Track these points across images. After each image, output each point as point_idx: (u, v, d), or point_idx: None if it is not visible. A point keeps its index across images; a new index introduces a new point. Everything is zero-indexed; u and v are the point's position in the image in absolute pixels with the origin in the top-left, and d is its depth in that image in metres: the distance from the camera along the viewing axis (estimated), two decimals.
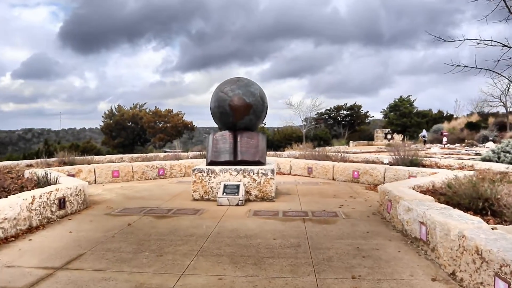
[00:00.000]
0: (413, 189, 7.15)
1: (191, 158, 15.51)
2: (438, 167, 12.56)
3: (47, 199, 6.47)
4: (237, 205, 7.84)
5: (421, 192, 7.12)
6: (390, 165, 11.28)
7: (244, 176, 8.34)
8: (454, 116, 53.45)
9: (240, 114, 8.75)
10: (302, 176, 13.00)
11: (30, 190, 6.94)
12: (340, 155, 15.34)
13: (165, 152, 27.71)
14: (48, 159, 13.29)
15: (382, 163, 13.61)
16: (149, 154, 16.42)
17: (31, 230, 5.94)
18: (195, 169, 8.48)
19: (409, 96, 51.92)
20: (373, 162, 14.19)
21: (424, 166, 12.84)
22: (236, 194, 7.96)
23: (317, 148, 34.78)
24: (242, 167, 8.42)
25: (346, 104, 53.91)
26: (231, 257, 4.77)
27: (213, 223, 6.42)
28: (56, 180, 7.94)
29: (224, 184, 8.17)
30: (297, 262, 4.57)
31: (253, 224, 6.39)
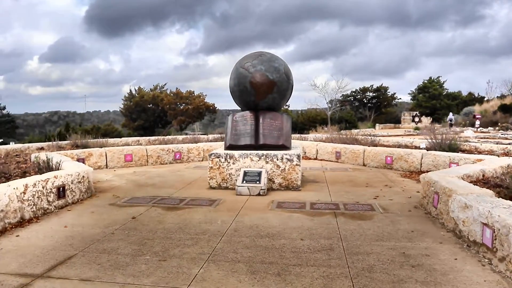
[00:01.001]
0: (462, 179, 6.14)
1: (210, 141, 14.67)
2: (480, 153, 11.42)
3: (43, 187, 5.69)
4: (259, 194, 6.96)
5: (471, 182, 6.11)
6: (427, 150, 10.20)
7: (267, 162, 7.43)
8: (486, 98, 51.23)
9: (262, 93, 7.81)
10: (330, 161, 12.02)
11: (33, 176, 6.20)
12: (370, 138, 14.26)
13: (186, 134, 27.02)
14: (61, 142, 12.63)
15: (417, 147, 12.50)
16: (167, 137, 15.65)
17: (22, 223, 5.19)
18: (212, 154, 7.61)
19: (438, 77, 49.86)
20: (406, 146, 13.08)
21: (463, 151, 11.71)
22: (258, 182, 7.07)
23: (342, 131, 33.62)
24: (265, 152, 7.51)
25: (372, 85, 52.20)
26: (249, 263, 3.89)
27: (229, 218, 5.55)
28: (59, 165, 7.19)
29: (244, 171, 7.29)
30: (331, 273, 3.66)
31: (276, 219, 5.50)
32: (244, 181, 7.11)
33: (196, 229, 5.02)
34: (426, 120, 45.13)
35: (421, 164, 9.80)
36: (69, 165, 7.15)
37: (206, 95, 40.98)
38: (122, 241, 4.56)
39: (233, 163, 7.49)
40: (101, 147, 11.17)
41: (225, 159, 7.51)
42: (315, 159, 12.58)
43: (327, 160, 12.15)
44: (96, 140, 12.98)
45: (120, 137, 36.80)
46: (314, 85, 42.10)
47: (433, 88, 47.73)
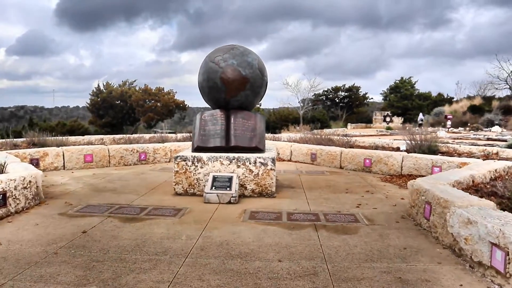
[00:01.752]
0: (453, 186, 5.62)
1: (179, 140, 13.86)
2: (459, 155, 11.04)
3: None
4: (229, 202, 6.26)
5: (462, 189, 5.59)
6: (407, 153, 9.71)
7: (238, 166, 6.73)
8: (455, 99, 51.99)
9: (234, 90, 7.11)
10: (305, 163, 11.42)
11: None
12: (346, 139, 13.75)
13: (155, 132, 26.02)
14: (16, 140, 11.59)
15: (395, 149, 12.05)
16: (133, 136, 14.75)
17: None
18: (177, 157, 6.85)
19: (410, 77, 50.19)
20: (383, 147, 12.63)
21: (442, 153, 11.31)
22: (228, 189, 6.37)
23: (314, 131, 33.24)
24: (236, 155, 6.81)
25: (345, 85, 52.12)
26: None
27: (196, 232, 4.83)
28: (3, 168, 6.31)
29: (213, 176, 6.57)
30: None
31: (249, 233, 4.81)
32: (213, 188, 6.39)
33: (156, 247, 4.28)
34: (397, 120, 45.36)
35: (401, 167, 9.30)
36: (15, 168, 6.28)
37: (176, 92, 39.93)
38: (65, 264, 3.78)
39: (201, 167, 6.76)
40: (61, 146, 10.24)
41: (192, 163, 6.77)
42: (289, 160, 11.95)
43: (302, 162, 11.54)
44: (55, 138, 11.98)
45: (87, 134, 35.40)
46: (286, 83, 41.62)
47: (404, 89, 48.01)
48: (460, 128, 33.23)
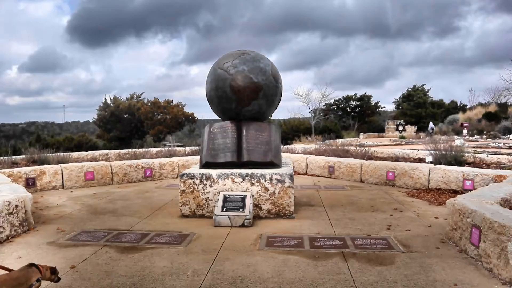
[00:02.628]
0: (500, 204, 4.85)
1: (187, 154, 13.19)
2: (488, 165, 10.24)
3: None
4: (243, 225, 5.52)
5: (511, 208, 4.83)
6: (434, 165, 8.93)
7: (252, 184, 6.01)
8: (468, 106, 50.89)
9: (245, 98, 6.42)
10: (322, 176, 10.65)
11: None
12: (363, 150, 12.98)
13: (164, 146, 25.42)
14: (16, 157, 11.01)
15: (417, 160, 11.26)
16: (140, 150, 14.11)
17: None
18: (183, 174, 6.15)
19: (423, 85, 49.13)
20: (404, 158, 11.85)
21: (469, 164, 10.52)
22: (241, 210, 5.64)
23: (327, 141, 32.47)
24: (249, 171, 6.09)
25: (356, 94, 51.25)
26: None
27: (204, 265, 4.10)
28: None
29: (224, 196, 5.85)
30: None
31: (267, 265, 4.07)
32: (224, 209, 5.67)
33: (156, 286, 3.56)
34: (410, 129, 44.36)
35: (428, 181, 8.51)
36: (1, 190, 5.62)
37: (185, 104, 39.44)
38: None
39: (210, 186, 6.05)
40: (62, 163, 9.61)
41: (201, 181, 6.06)
42: (305, 174, 11.19)
43: (319, 176, 10.77)
44: (56, 154, 11.39)
45: (95, 149, 34.98)
46: (297, 94, 40.87)
47: (417, 96, 47.02)
48: (476, 136, 32.23)
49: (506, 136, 30.35)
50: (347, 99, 51.41)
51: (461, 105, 51.03)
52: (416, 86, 49.06)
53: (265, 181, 5.99)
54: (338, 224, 5.67)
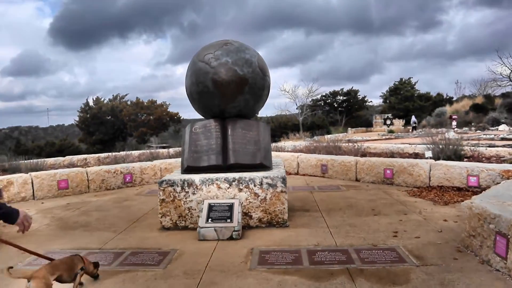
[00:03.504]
0: None
1: (171, 156, 12.47)
2: (487, 159, 9.74)
3: None
4: (231, 238, 4.85)
5: None
6: (435, 160, 8.35)
7: (240, 190, 5.34)
8: (454, 99, 50.78)
9: (230, 94, 5.75)
10: (315, 176, 10.02)
11: None
12: (356, 146, 12.40)
13: (149, 147, 24.64)
14: None
15: (414, 155, 10.69)
16: (121, 153, 13.36)
17: None
18: (162, 182, 5.44)
19: (410, 78, 48.89)
20: (399, 154, 11.29)
21: (468, 158, 9.99)
22: (229, 220, 4.97)
23: (315, 137, 31.94)
24: (237, 175, 5.42)
25: (343, 89, 50.85)
26: None
27: None
28: None
29: (209, 204, 5.17)
30: None
31: None
32: (210, 220, 4.99)
33: None
34: (398, 123, 44.07)
35: (429, 178, 7.93)
36: None
37: (169, 104, 38.53)
38: None
39: (193, 193, 5.36)
40: (35, 170, 8.82)
41: (182, 188, 5.37)
42: (297, 174, 10.54)
43: (311, 175, 10.13)
44: (29, 161, 10.59)
45: (78, 153, 33.93)
46: (283, 90, 40.27)
47: (405, 90, 46.72)
48: (464, 128, 31.94)
49: (495, 128, 30.13)
50: (334, 94, 51.00)
51: (448, 97, 50.94)
52: (403, 80, 48.81)
53: (254, 186, 5.32)
54: (338, 233, 5.03)
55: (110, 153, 13.31)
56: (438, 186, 7.70)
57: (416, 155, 10.82)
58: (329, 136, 31.70)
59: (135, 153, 13.61)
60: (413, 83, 48.28)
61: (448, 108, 43.65)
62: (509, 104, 36.08)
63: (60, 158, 12.46)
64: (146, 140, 34.64)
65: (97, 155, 13.35)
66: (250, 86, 5.82)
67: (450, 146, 9.53)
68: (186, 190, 5.36)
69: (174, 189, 5.37)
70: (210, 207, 5.13)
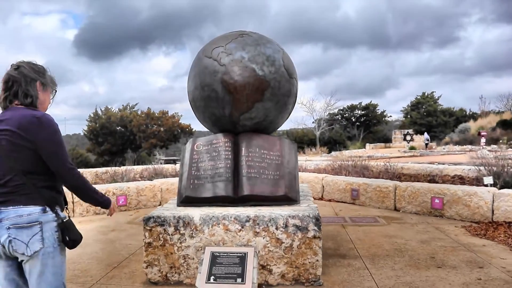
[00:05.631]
0: None
1: (176, 174, 11.01)
2: None
3: None
4: None
5: None
6: (499, 189, 6.76)
7: (257, 234, 3.82)
8: (478, 113, 48.71)
9: (245, 101, 4.28)
10: (343, 202, 8.45)
11: None
12: (386, 166, 10.81)
13: (159, 160, 23.30)
14: None
15: (459, 178, 9.08)
16: (122, 168, 11.94)
17: None
18: (149, 219, 3.94)
19: (432, 92, 46.90)
20: (437, 176, 9.67)
21: None
22: (239, 279, 3.45)
23: (333, 153, 30.37)
24: (252, 212, 3.90)
25: (361, 103, 49.08)
26: None
27: None
28: None
29: (212, 254, 3.66)
30: None
31: None
32: (212, 278, 3.48)
33: None
34: (419, 139, 42.21)
35: (492, 211, 6.34)
36: None
37: (181, 115, 37.27)
38: None
39: (191, 236, 3.86)
40: None
41: (176, 229, 3.87)
42: (321, 199, 8.98)
43: (338, 201, 8.57)
44: None
45: (86, 164, 32.77)
46: (300, 103, 38.78)
47: (427, 104, 44.81)
48: (493, 146, 30.03)
49: None
50: (352, 108, 49.29)
51: (471, 113, 48.89)
52: (426, 94, 46.84)
53: (276, 228, 3.80)
54: None
55: (109, 168, 11.90)
56: (506, 223, 6.11)
57: (461, 179, 9.22)
58: (347, 152, 30.12)
59: (138, 168, 12.21)
60: (436, 97, 46.33)
61: (472, 124, 41.74)
62: None
63: None
64: (151, 153, 33.29)
65: (94, 169, 11.99)
66: (272, 91, 4.35)
67: (510, 169, 7.92)
68: (181, 232, 3.86)
69: (164, 230, 3.87)
70: (214, 258, 3.62)
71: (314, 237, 3.80)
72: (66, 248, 2.36)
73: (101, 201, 2.53)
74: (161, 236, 3.88)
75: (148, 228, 3.89)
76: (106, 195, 7.61)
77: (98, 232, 6.13)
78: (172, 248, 3.87)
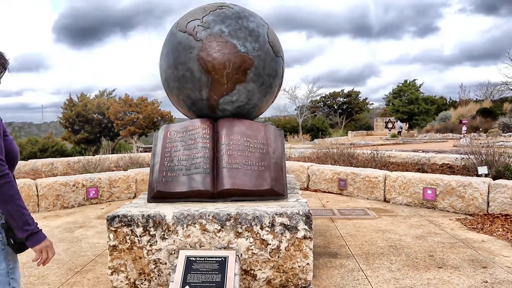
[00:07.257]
0: None
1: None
2: None
3: None
4: None
5: None
6: (493, 179, 6.39)
7: (239, 234, 3.32)
8: (457, 102, 48.92)
9: (225, 81, 3.75)
10: (329, 192, 8.02)
11: None
12: (373, 153, 10.40)
13: (138, 147, 22.61)
14: None
15: (448, 167, 8.73)
16: (96, 157, 11.28)
17: None
18: (114, 218, 3.40)
19: (414, 80, 46.80)
20: (425, 164, 9.32)
21: None
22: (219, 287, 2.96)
23: (315, 140, 30.05)
24: (234, 209, 3.40)
25: (343, 90, 48.78)
26: None
27: None
28: None
29: (188, 259, 3.16)
30: None
31: None
32: (187, 287, 2.98)
33: None
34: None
35: (488, 203, 5.97)
36: None
37: (161, 102, 36.29)
38: None
39: (163, 238, 3.34)
40: None
41: (145, 229, 3.34)
42: (306, 189, 8.53)
43: (325, 191, 8.13)
44: None
45: (62, 153, 31.76)
46: (283, 90, 38.25)
47: (409, 92, 44.75)
48: (473, 134, 30.07)
49: (508, 134, 28.26)
50: (334, 95, 49.01)
51: (451, 101, 49.08)
52: (408, 81, 46.74)
53: (261, 228, 3.31)
54: None
55: (82, 157, 11.23)
56: (502, 215, 5.75)
57: (450, 168, 8.88)
58: (330, 139, 29.81)
59: (113, 157, 11.59)
60: (418, 85, 46.27)
61: (452, 112, 41.90)
62: None
63: (21, 162, 10.40)
64: (137, 141, 32.43)
65: (66, 159, 11.31)
66: (256, 70, 3.83)
67: (501, 159, 7.58)
68: (151, 233, 3.34)
69: (132, 231, 3.34)
70: (189, 264, 3.11)
71: (305, 237, 3.32)
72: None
73: (26, 229, 1.83)
74: (128, 238, 3.35)
75: (113, 229, 3.36)
76: (75, 186, 7.07)
77: (63, 230, 5.56)
78: (141, 251, 3.35)
